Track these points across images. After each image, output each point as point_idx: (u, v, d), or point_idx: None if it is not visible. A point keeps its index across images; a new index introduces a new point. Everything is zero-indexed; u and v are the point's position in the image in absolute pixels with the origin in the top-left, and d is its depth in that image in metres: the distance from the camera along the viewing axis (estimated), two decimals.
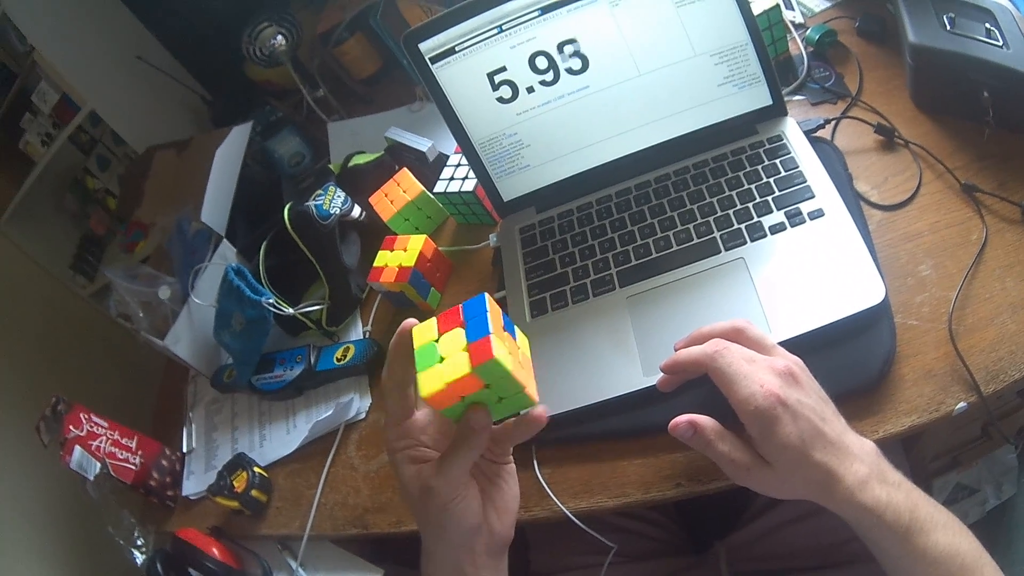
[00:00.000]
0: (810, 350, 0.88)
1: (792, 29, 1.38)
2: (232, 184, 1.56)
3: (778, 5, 1.30)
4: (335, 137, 1.76)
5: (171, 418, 1.49)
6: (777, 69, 1.19)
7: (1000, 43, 1.10)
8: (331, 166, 1.57)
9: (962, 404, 0.90)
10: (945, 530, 0.76)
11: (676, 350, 0.90)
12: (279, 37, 1.68)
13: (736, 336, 0.87)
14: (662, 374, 0.93)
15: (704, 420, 0.84)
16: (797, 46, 1.37)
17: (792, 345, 0.89)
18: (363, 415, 1.27)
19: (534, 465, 1.05)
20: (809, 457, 0.77)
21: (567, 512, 1.00)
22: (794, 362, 0.84)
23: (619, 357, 1.04)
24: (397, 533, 1.12)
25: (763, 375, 0.80)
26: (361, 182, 1.46)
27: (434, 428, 0.85)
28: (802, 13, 1.45)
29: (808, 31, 1.36)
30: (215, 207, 1.49)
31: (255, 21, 1.69)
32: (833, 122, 1.23)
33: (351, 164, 1.52)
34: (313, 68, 1.82)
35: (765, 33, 1.22)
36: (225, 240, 1.47)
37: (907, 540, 0.75)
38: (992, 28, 1.13)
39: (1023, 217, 1.02)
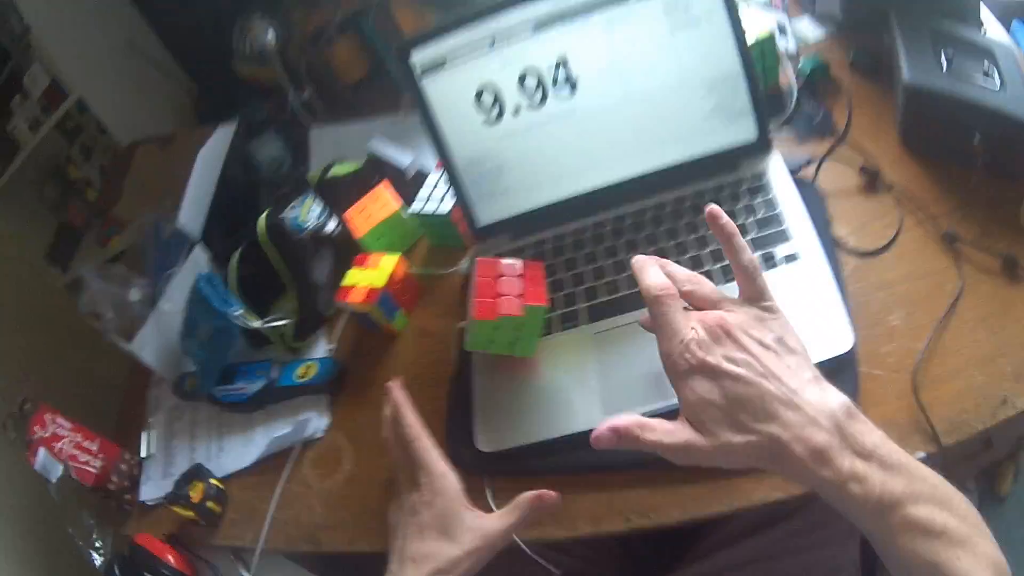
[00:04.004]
0: None
1: (784, 59, 1.40)
2: (211, 186, 1.58)
3: (772, 35, 1.31)
4: (317, 144, 1.77)
5: (134, 420, 1.50)
6: (766, 100, 1.21)
7: (997, 85, 1.13)
8: (309, 175, 1.59)
9: (920, 454, 0.92)
10: (928, 504, 0.68)
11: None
12: (269, 33, 1.69)
13: (690, 288, 0.84)
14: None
15: (623, 420, 0.78)
16: (787, 77, 1.39)
17: None
18: (320, 434, 1.28)
19: (487, 495, 1.07)
20: (735, 418, 0.73)
21: (518, 540, 1.02)
22: (732, 316, 0.80)
23: (580, 394, 1.06)
24: (351, 552, 1.15)
25: (686, 331, 0.78)
26: (339, 193, 1.48)
27: None
28: (796, 42, 1.47)
29: (801, 63, 1.38)
30: (193, 210, 1.51)
31: (247, 14, 1.71)
32: (817, 162, 1.24)
33: (329, 175, 1.54)
34: (301, 68, 1.83)
35: (756, 62, 1.23)
36: (200, 244, 1.48)
37: (879, 516, 0.69)
38: (991, 68, 1.15)
39: (1002, 268, 1.05)
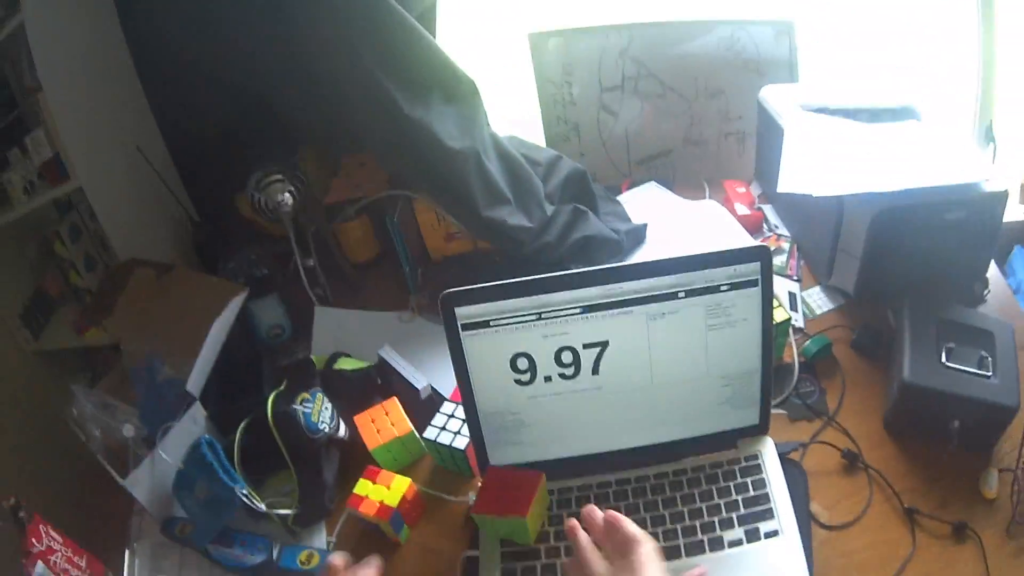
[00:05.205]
0: None
1: (792, 333, 1.64)
2: (216, 351, 1.72)
3: (789, 319, 1.55)
4: (320, 323, 1.95)
5: (111, 538, 1.59)
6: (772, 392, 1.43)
7: (989, 373, 1.41)
8: (314, 358, 1.73)
9: None
10: None
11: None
12: (286, 195, 1.84)
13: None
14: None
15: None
16: (792, 354, 1.63)
17: None
18: None
19: None
20: None
21: None
22: None
23: None
24: None
25: None
26: (343, 388, 1.66)
27: None
28: (804, 314, 1.71)
29: (807, 343, 1.62)
30: (201, 368, 1.66)
31: (267, 167, 1.85)
32: (805, 447, 1.50)
33: (336, 366, 1.70)
34: (309, 234, 1.99)
35: None
36: (198, 402, 1.62)
37: None
38: (986, 356, 1.44)
39: (951, 532, 1.34)
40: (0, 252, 2.21)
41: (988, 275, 1.73)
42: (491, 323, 1.35)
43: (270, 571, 1.48)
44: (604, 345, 1.37)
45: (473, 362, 1.38)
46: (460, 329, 1.35)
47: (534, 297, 1.33)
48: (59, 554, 1.41)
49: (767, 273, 1.33)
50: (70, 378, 2.03)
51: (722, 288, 1.34)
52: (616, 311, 1.34)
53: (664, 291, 1.33)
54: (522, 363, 1.38)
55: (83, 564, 1.44)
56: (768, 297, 1.35)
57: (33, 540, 1.37)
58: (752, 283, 1.33)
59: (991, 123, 2.21)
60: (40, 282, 2.31)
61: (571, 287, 1.33)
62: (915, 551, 1.33)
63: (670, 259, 1.33)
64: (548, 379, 1.40)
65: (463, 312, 1.34)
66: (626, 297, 1.34)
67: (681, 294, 1.34)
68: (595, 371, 1.39)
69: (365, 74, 1.66)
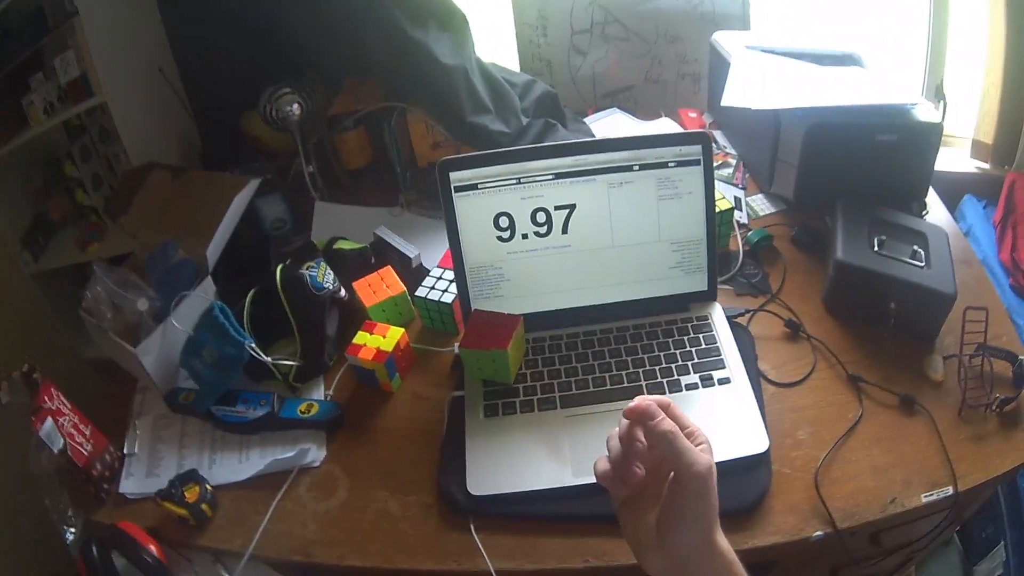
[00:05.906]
0: None
1: (737, 227, 1.86)
2: (231, 229, 1.90)
3: (732, 208, 1.77)
4: (320, 216, 2.15)
5: (114, 419, 1.69)
6: (718, 261, 1.64)
7: (922, 264, 1.57)
8: (315, 242, 1.92)
9: (819, 533, 1.29)
10: None
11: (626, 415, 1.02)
12: (295, 106, 2.07)
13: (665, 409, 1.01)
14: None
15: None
16: (737, 243, 1.84)
17: None
18: (317, 463, 1.53)
19: (471, 528, 1.37)
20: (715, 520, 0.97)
21: (491, 568, 1.33)
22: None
23: (553, 460, 1.41)
24: (339, 566, 1.38)
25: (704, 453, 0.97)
26: (342, 265, 1.83)
27: None
28: (748, 215, 1.94)
29: (749, 233, 1.84)
30: (216, 245, 1.82)
31: (279, 82, 2.07)
32: (751, 313, 1.70)
33: (335, 247, 1.90)
34: (310, 144, 2.19)
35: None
36: (209, 277, 1.75)
37: None
38: (919, 250, 1.60)
39: (899, 403, 1.47)
40: (6, 177, 2.28)
41: (929, 202, 1.94)
42: (479, 186, 1.57)
43: (271, 423, 1.61)
44: (572, 208, 1.60)
45: (462, 220, 1.60)
46: (453, 191, 1.57)
47: (514, 164, 1.56)
48: (67, 418, 1.48)
49: (707, 155, 1.58)
50: (71, 295, 2.03)
51: (669, 164, 1.58)
52: (582, 179, 1.58)
53: (621, 163, 1.58)
54: (503, 221, 1.60)
55: (88, 433, 1.53)
56: (709, 176, 1.59)
57: (45, 398, 1.45)
58: (695, 162, 1.58)
59: (941, 81, 2.34)
60: (42, 209, 2.39)
61: (545, 157, 1.57)
62: (864, 415, 1.47)
63: (626, 138, 1.60)
64: (525, 236, 1.61)
65: (456, 176, 1.56)
66: (590, 167, 1.57)
67: (636, 167, 1.58)
68: (564, 230, 1.61)
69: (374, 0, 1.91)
